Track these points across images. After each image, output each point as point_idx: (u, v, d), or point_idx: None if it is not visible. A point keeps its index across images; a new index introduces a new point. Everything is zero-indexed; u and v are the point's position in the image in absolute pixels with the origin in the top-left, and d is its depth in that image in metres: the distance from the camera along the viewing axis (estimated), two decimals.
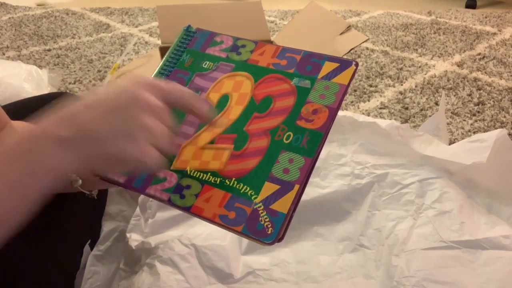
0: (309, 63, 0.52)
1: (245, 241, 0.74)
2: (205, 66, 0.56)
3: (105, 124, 0.40)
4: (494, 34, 1.96)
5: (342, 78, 0.50)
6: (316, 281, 0.70)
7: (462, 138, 1.14)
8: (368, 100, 1.41)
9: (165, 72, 0.57)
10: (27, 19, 2.19)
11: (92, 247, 0.74)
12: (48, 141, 0.38)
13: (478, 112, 1.33)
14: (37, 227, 0.61)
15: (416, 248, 0.68)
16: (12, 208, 0.37)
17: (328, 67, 0.51)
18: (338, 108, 0.49)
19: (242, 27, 1.23)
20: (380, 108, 1.36)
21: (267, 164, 0.47)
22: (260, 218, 0.45)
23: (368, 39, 1.74)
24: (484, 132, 1.13)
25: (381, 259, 0.70)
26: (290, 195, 0.45)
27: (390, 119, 0.98)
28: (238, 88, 0.53)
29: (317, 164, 0.79)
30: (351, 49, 1.15)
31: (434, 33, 1.97)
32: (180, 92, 0.45)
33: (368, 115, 1.30)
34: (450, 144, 0.85)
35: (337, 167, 0.80)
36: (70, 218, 0.68)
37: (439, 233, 0.69)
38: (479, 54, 1.74)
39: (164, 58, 0.58)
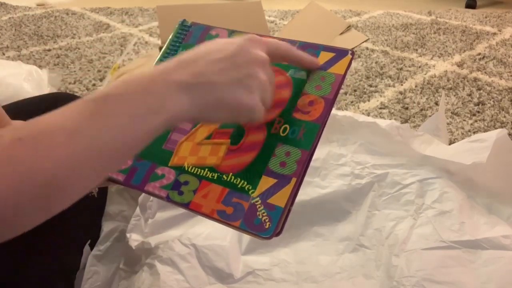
0: None
1: (245, 241, 0.74)
2: None
3: (221, 71, 0.41)
4: (494, 34, 1.96)
5: (338, 68, 0.50)
6: (316, 281, 0.70)
7: (462, 138, 1.14)
8: (368, 100, 1.41)
9: None
10: (27, 19, 2.19)
11: (92, 247, 0.74)
12: (168, 85, 0.39)
13: (478, 112, 1.33)
14: (37, 227, 0.61)
15: (416, 248, 0.68)
16: (132, 140, 0.37)
17: (324, 57, 0.51)
18: (334, 99, 0.49)
19: (242, 27, 1.22)
20: (380, 108, 1.36)
21: (263, 158, 0.47)
22: (258, 213, 0.45)
23: (368, 39, 1.75)
24: (484, 132, 1.13)
25: (381, 259, 0.70)
26: (287, 189, 0.45)
27: (390, 119, 0.98)
28: None
29: (317, 164, 0.80)
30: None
31: (434, 33, 1.97)
32: (285, 46, 0.48)
33: (368, 115, 1.30)
34: (450, 144, 0.85)
35: (337, 167, 0.80)
36: (70, 218, 0.68)
37: (439, 233, 0.69)
38: (479, 54, 1.74)
39: (160, 54, 0.58)
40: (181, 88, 0.39)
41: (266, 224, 0.44)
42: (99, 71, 1.61)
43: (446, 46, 1.82)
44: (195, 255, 0.70)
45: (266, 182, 0.46)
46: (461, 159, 0.76)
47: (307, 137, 0.47)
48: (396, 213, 0.74)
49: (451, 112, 1.33)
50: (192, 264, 0.69)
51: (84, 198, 0.61)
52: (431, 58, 1.71)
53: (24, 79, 1.29)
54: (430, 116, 1.25)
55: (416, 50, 1.78)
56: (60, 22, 2.14)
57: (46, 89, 1.33)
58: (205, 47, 0.43)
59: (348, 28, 1.18)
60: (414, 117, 1.31)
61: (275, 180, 0.46)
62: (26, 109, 0.73)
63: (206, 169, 0.49)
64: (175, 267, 0.68)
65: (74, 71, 1.61)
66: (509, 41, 1.87)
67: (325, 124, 0.48)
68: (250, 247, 0.74)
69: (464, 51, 1.77)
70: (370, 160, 0.80)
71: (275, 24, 2.14)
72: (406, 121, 1.29)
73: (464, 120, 1.29)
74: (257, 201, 0.45)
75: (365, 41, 1.23)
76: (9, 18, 2.21)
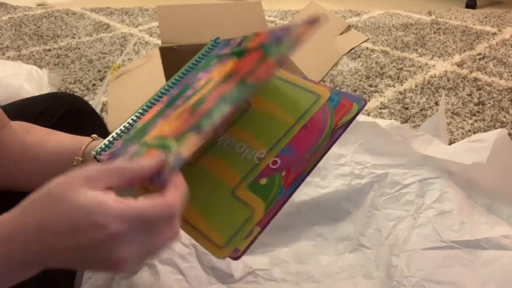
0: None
1: None
2: (211, 64, 0.58)
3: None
4: (494, 34, 1.96)
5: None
6: (316, 281, 0.70)
7: (462, 138, 1.14)
8: (368, 100, 1.41)
9: (182, 76, 0.59)
10: (27, 19, 2.19)
11: None
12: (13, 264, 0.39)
13: (478, 112, 1.33)
14: None
15: (416, 248, 0.68)
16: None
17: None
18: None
19: (242, 27, 1.22)
20: (380, 108, 1.36)
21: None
22: None
23: (368, 39, 1.74)
24: (484, 132, 1.13)
25: (381, 259, 0.70)
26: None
27: (390, 119, 0.98)
28: (221, 73, 0.53)
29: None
30: (351, 49, 1.15)
31: (434, 33, 1.97)
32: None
33: (368, 115, 1.30)
34: (450, 144, 0.85)
35: (337, 167, 0.80)
36: None
37: (439, 233, 0.69)
38: (479, 54, 1.74)
39: (186, 64, 0.60)
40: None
41: None
42: (99, 71, 1.61)
43: (446, 46, 1.82)
44: (195, 255, 0.70)
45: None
46: (461, 159, 0.76)
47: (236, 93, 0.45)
48: (396, 213, 0.74)
49: (451, 112, 1.33)
50: (192, 264, 0.69)
51: None
52: (431, 58, 1.71)
53: (24, 79, 1.29)
54: (430, 116, 1.25)
55: (416, 50, 1.79)
56: (60, 22, 2.14)
57: (46, 89, 1.33)
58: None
59: (348, 28, 1.18)
60: (414, 117, 1.31)
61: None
62: (26, 109, 0.73)
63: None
64: (175, 267, 0.68)
65: (74, 71, 1.61)
66: (509, 41, 1.87)
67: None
68: (250, 247, 0.74)
69: (464, 51, 1.77)
70: (370, 160, 0.80)
71: (275, 24, 2.14)
72: (406, 121, 1.29)
73: (464, 120, 1.29)
74: None
75: (365, 41, 1.23)
76: (9, 18, 2.21)
